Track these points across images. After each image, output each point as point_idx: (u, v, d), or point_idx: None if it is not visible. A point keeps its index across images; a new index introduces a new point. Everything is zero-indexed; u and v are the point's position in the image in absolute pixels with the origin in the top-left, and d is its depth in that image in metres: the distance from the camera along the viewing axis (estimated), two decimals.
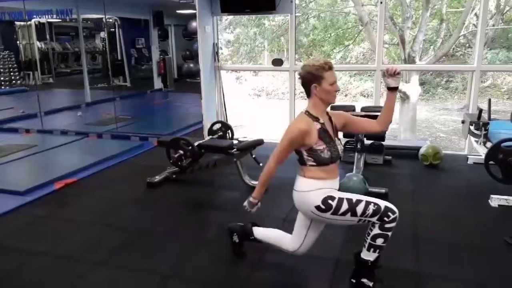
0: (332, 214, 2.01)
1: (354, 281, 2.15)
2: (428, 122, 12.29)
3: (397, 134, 9.99)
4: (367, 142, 4.14)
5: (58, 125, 6.51)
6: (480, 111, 3.83)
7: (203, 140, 4.03)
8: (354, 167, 3.77)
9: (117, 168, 4.45)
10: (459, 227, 2.93)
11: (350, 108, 3.86)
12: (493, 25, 10.70)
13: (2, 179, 4.15)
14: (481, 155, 3.72)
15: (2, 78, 11.38)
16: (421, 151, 4.24)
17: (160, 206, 3.45)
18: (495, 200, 3.25)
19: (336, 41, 12.42)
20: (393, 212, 2.00)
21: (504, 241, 2.67)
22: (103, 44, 13.41)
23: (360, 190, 3.28)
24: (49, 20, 11.31)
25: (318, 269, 2.43)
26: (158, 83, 11.18)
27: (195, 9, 5.03)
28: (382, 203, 2.01)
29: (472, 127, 3.84)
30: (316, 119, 2.03)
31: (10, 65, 11.60)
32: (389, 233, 2.01)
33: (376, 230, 2.01)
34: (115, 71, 10.95)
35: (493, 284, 2.28)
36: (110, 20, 11.02)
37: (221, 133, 4.49)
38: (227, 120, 5.45)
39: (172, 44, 13.28)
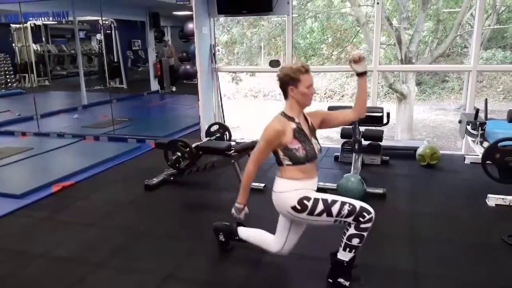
0: (308, 214, 2.05)
1: (331, 281, 2.19)
2: (425, 122, 12.32)
3: (394, 135, 10.01)
4: (364, 142, 4.15)
5: (55, 128, 6.48)
6: (477, 111, 3.85)
7: (201, 142, 4.03)
8: (352, 168, 3.78)
9: (114, 171, 4.44)
10: (456, 227, 2.94)
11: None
12: (489, 25, 10.76)
13: None
14: (478, 155, 3.73)
15: None
16: (419, 151, 4.26)
17: (158, 208, 3.44)
18: (492, 200, 3.26)
19: (334, 42, 12.45)
20: (369, 213, 2.02)
21: (502, 240, 2.68)
22: (99, 46, 13.38)
23: (358, 190, 3.28)
24: (45, 22, 11.28)
25: (316, 270, 2.43)
26: (154, 85, 11.16)
27: (191, 11, 5.03)
28: (358, 204, 2.04)
29: (469, 127, 3.86)
30: (292, 119, 2.09)
31: (5, 68, 11.57)
32: (365, 233, 2.04)
33: (352, 230, 2.04)
34: (111, 73, 10.94)
35: (491, 284, 2.28)
36: (106, 22, 11.00)
37: (218, 134, 4.49)
38: (224, 122, 5.45)
39: None
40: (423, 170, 4.14)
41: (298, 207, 2.04)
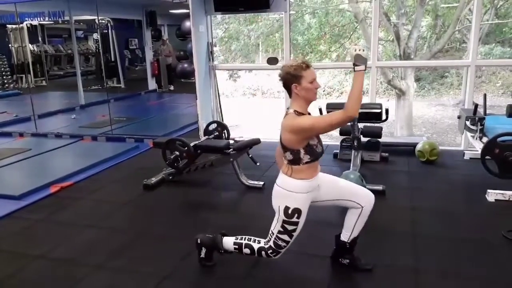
0: (283, 220, 2.12)
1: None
2: (424, 118, 12.31)
3: (394, 131, 10.00)
4: (363, 139, 4.13)
5: (53, 128, 6.46)
6: (476, 106, 3.84)
7: (199, 141, 4.01)
8: (351, 165, 3.76)
9: (112, 171, 4.42)
10: (456, 222, 2.93)
11: None
12: (487, 20, 10.74)
13: None
14: (477, 150, 3.72)
15: None
16: (418, 147, 4.25)
17: (157, 207, 3.42)
18: (492, 195, 3.26)
19: (332, 39, 12.40)
20: (274, 256, 2.22)
21: (502, 235, 2.68)
22: (96, 46, 13.33)
23: None
24: (41, 22, 11.22)
25: (317, 268, 2.42)
26: (152, 84, 11.13)
27: (188, 9, 5.00)
28: (283, 249, 2.20)
29: (468, 122, 3.85)
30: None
31: (2, 69, 11.52)
32: (256, 256, 2.25)
33: (255, 245, 2.24)
34: (108, 72, 10.88)
35: (492, 279, 2.28)
36: (103, 21, 10.95)
37: (217, 133, 4.47)
38: (222, 120, 5.43)
39: None
40: (423, 166, 4.13)
41: (289, 211, 2.09)
